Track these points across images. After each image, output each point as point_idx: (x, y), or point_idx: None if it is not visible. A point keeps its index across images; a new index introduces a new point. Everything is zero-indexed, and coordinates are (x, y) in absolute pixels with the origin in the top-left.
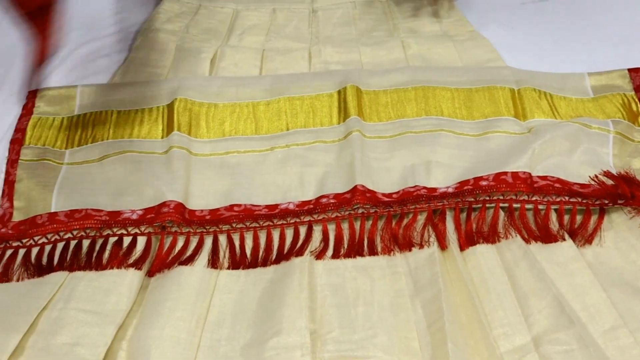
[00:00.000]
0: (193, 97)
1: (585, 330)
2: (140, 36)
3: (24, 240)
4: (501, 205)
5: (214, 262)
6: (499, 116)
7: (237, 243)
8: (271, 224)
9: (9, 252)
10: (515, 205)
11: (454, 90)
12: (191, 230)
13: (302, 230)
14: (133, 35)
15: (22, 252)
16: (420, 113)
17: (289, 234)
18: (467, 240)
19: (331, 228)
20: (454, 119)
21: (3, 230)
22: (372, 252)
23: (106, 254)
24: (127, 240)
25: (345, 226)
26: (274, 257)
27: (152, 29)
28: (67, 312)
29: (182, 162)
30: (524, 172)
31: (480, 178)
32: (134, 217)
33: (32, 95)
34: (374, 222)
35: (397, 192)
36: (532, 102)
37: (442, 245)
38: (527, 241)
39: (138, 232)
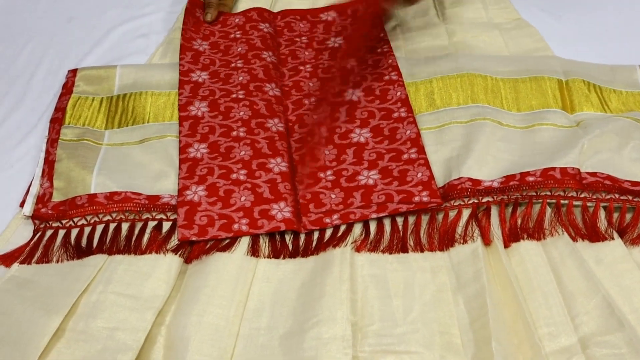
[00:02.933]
0: None
1: (636, 333)
2: (180, 18)
3: (63, 221)
4: (548, 201)
5: (254, 250)
6: (547, 108)
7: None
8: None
9: (49, 232)
10: (562, 202)
11: (501, 80)
12: None
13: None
14: (174, 17)
15: (61, 233)
16: (467, 101)
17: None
18: (512, 236)
19: (373, 221)
20: (500, 109)
21: (43, 210)
22: (416, 248)
23: (145, 238)
24: (166, 226)
25: (387, 223)
26: (314, 246)
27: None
28: (107, 295)
29: None
30: (573, 168)
31: (527, 173)
32: (173, 202)
33: (72, 74)
34: (418, 217)
35: (442, 187)
36: (580, 94)
37: (486, 240)
38: (574, 239)
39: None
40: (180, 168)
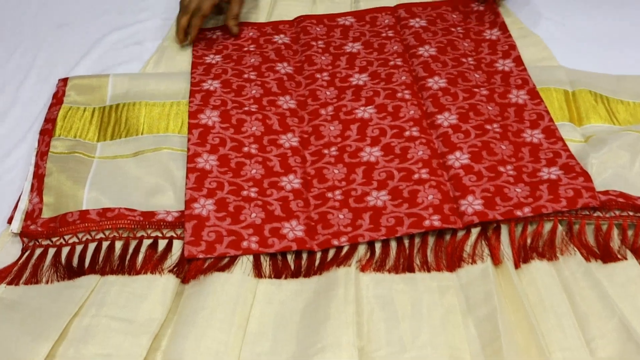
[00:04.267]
0: None
1: None
2: (174, 26)
3: (53, 239)
4: (559, 219)
5: (256, 269)
6: (555, 121)
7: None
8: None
9: (38, 250)
10: (574, 220)
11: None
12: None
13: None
14: (169, 24)
15: (51, 251)
16: None
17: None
18: (523, 255)
19: (377, 244)
20: None
21: (32, 227)
22: (423, 268)
23: (140, 258)
24: (162, 244)
25: (392, 243)
26: (317, 266)
27: None
28: (99, 319)
29: None
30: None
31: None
32: (170, 218)
33: (62, 84)
34: (425, 235)
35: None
36: (588, 105)
37: (496, 260)
38: (587, 259)
39: (174, 235)
40: (187, 177)
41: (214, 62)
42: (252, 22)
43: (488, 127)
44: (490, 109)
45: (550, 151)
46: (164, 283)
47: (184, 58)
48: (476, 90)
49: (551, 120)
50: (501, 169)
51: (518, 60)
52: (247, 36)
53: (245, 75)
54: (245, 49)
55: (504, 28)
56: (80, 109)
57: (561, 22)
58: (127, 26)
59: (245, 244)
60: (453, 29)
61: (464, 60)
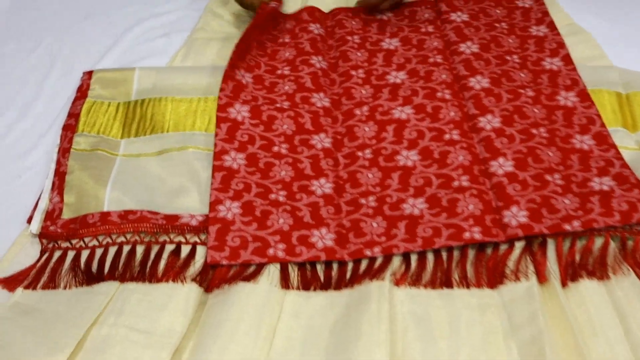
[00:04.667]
0: None
1: None
2: (204, 15)
3: (73, 242)
4: (612, 235)
5: (283, 280)
6: (607, 126)
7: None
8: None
9: (57, 253)
10: (628, 236)
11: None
12: None
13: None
14: (197, 15)
15: (70, 254)
16: None
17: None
18: (571, 273)
19: (413, 256)
20: None
21: (52, 228)
22: (462, 283)
23: (162, 264)
24: (185, 250)
25: (429, 255)
26: (348, 278)
27: (217, 9)
28: (118, 329)
29: None
30: None
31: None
32: (194, 222)
33: (87, 77)
34: (465, 248)
35: None
36: None
37: (542, 278)
38: None
39: (197, 240)
40: (213, 177)
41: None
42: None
43: (534, 131)
44: (536, 112)
45: (602, 159)
46: (186, 292)
47: (213, 51)
48: (521, 91)
49: (603, 125)
50: (548, 177)
51: (567, 59)
52: (284, 28)
53: (279, 71)
54: (280, 40)
55: (551, 25)
56: (105, 104)
57: (615, 19)
58: (154, 17)
59: (271, 251)
60: (497, 25)
61: (508, 58)
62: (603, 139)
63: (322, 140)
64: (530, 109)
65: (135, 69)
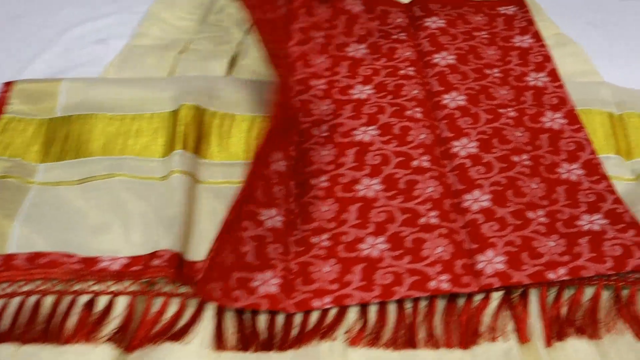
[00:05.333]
0: (205, 103)
1: None
2: (146, 19)
3: None
4: (604, 285)
5: (217, 339)
6: (598, 153)
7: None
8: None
9: None
10: (622, 286)
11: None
12: (189, 292)
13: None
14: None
15: None
16: None
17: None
18: (557, 331)
19: (372, 308)
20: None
21: None
22: (429, 343)
23: (72, 320)
24: (102, 301)
25: (391, 307)
26: (293, 336)
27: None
28: None
29: (183, 194)
30: None
31: None
32: (115, 267)
33: (6, 88)
34: (432, 299)
35: None
36: (638, 132)
37: (523, 337)
38: (639, 338)
39: (118, 290)
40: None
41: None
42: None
43: (515, 158)
44: (518, 136)
45: (593, 193)
46: (100, 356)
47: (154, 61)
48: (502, 110)
49: (593, 152)
50: (530, 214)
51: (554, 74)
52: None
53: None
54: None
55: (537, 35)
56: (24, 121)
57: (607, 29)
58: (90, 21)
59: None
60: (476, 33)
61: (488, 72)
62: (593, 168)
63: (277, 162)
64: (511, 132)
65: (62, 80)
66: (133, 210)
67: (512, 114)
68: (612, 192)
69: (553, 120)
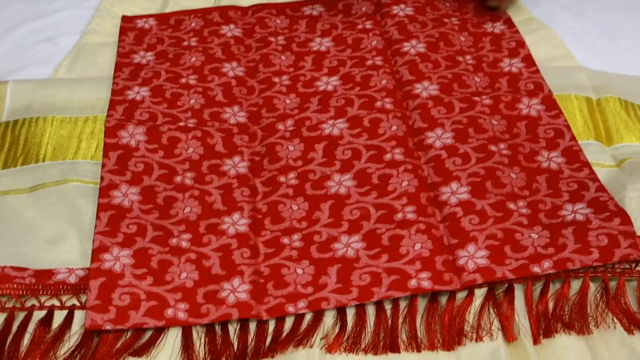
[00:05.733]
0: None
1: None
2: (98, 15)
3: None
4: (591, 277)
5: (185, 352)
6: (577, 139)
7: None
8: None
9: None
10: (610, 278)
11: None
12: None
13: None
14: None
15: None
16: None
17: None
18: (544, 327)
19: (350, 311)
20: None
21: None
22: (410, 346)
23: (26, 339)
24: (59, 317)
25: (370, 309)
26: (267, 344)
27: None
28: None
29: None
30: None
31: None
32: (72, 279)
33: None
34: (413, 299)
35: None
36: (617, 118)
37: (510, 336)
38: (629, 331)
39: (77, 304)
40: (98, 217)
41: (144, 61)
42: (194, 10)
43: (493, 148)
44: (495, 124)
45: (574, 181)
46: None
47: (107, 59)
48: (477, 99)
49: (573, 138)
50: (511, 206)
51: (529, 60)
52: (189, 27)
53: (183, 80)
54: (185, 43)
55: (509, 21)
56: None
57: (579, 12)
58: (39, 18)
59: (170, 312)
60: (446, 20)
61: (460, 59)
62: (574, 155)
63: (236, 165)
64: (487, 121)
65: (8, 82)
66: (89, 218)
67: (488, 101)
68: (595, 179)
69: (530, 106)
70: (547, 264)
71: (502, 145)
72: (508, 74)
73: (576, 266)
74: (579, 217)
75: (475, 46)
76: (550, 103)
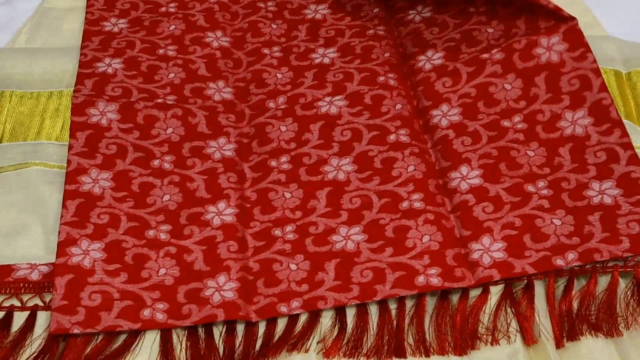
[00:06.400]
0: None
1: None
2: None
3: None
4: (620, 272)
5: (165, 358)
6: None
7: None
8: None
9: None
10: None
11: None
12: None
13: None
14: None
15: None
16: None
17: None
18: (568, 329)
19: (350, 311)
20: None
21: None
22: (418, 350)
23: None
24: (20, 318)
25: (373, 309)
26: (257, 349)
27: None
28: None
29: None
30: None
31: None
32: (35, 276)
33: None
34: (421, 297)
35: None
36: None
37: (529, 338)
38: None
39: (40, 304)
40: (64, 206)
41: (116, 29)
42: None
43: (506, 123)
44: (508, 90)
45: (603, 149)
46: None
47: (73, 27)
48: (485, 56)
49: (604, 87)
50: (530, 188)
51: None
52: None
53: (161, 51)
54: (163, 9)
55: None
56: None
57: None
58: None
59: (147, 312)
60: None
61: (472, 9)
62: (604, 112)
63: (221, 148)
64: (500, 87)
65: None
66: (54, 208)
67: (498, 56)
68: (627, 146)
69: (550, 48)
70: (571, 255)
71: (516, 119)
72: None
73: (604, 257)
74: (607, 199)
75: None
76: (574, 38)
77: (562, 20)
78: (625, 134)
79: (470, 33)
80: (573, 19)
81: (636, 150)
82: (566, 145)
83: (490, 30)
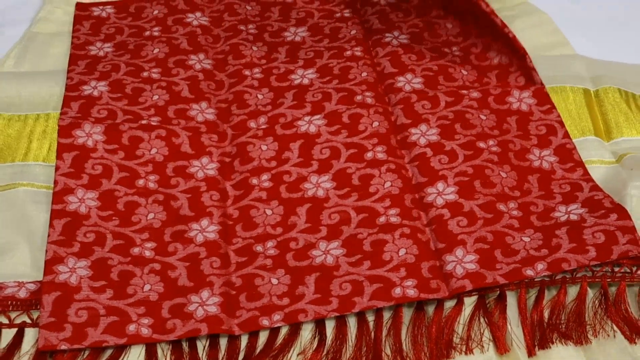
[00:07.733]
0: None
1: None
2: (49, 2)
3: None
4: (589, 282)
5: None
6: (574, 135)
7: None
8: None
9: None
10: (610, 283)
11: None
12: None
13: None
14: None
15: None
16: None
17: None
18: (539, 337)
19: (330, 323)
20: None
21: None
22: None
23: None
24: (7, 336)
25: (351, 321)
26: None
27: None
28: None
29: None
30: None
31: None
32: (22, 294)
33: None
34: (398, 309)
35: None
36: (617, 110)
37: (502, 347)
38: (631, 340)
39: (27, 321)
40: (51, 225)
41: (101, 53)
42: None
43: (481, 145)
44: (483, 119)
45: (567, 183)
46: None
47: (60, 51)
48: (464, 92)
49: (567, 135)
50: (501, 207)
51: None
52: (150, 15)
53: (145, 74)
54: (147, 33)
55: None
56: None
57: None
58: None
59: (132, 328)
60: (432, 10)
61: (446, 50)
62: (567, 154)
63: (204, 167)
64: (475, 116)
65: None
66: (41, 227)
67: (475, 94)
68: (589, 180)
69: (521, 100)
70: (541, 266)
71: (491, 142)
72: (497, 67)
73: (572, 266)
74: (573, 217)
75: (463, 35)
76: (542, 96)
77: (532, 83)
78: (586, 172)
79: (447, 69)
80: (542, 84)
81: (605, 165)
82: (534, 175)
83: (464, 72)
